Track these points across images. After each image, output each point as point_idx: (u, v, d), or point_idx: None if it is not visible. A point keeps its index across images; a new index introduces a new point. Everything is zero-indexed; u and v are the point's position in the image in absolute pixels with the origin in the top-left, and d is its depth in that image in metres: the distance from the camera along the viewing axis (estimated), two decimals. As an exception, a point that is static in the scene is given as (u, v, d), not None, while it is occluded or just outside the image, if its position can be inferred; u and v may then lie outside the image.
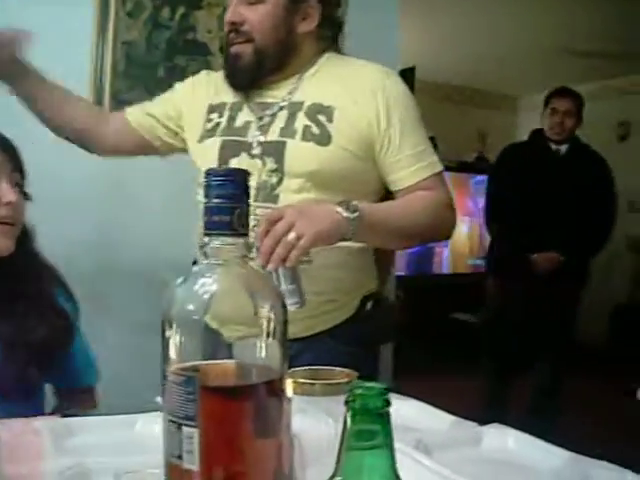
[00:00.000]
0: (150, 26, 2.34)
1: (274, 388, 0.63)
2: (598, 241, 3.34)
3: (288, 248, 1.16)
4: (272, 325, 0.63)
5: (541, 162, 3.30)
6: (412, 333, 4.29)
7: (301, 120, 1.40)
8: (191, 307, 0.62)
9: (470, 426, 1.07)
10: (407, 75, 4.23)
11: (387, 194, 1.49)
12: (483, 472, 0.91)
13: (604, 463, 0.91)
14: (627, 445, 2.20)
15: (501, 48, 5.11)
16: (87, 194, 2.30)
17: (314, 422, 0.72)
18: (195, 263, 1.57)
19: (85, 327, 1.43)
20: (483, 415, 3.01)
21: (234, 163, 1.41)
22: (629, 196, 5.53)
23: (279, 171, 1.38)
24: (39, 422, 0.97)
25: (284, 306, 0.66)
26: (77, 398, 1.38)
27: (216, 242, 0.64)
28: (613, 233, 3.36)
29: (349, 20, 2.66)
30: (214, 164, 1.43)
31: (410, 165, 1.42)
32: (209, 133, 1.48)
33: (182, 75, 1.78)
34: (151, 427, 0.95)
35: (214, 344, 0.63)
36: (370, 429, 0.48)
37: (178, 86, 1.63)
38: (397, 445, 0.78)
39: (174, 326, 0.63)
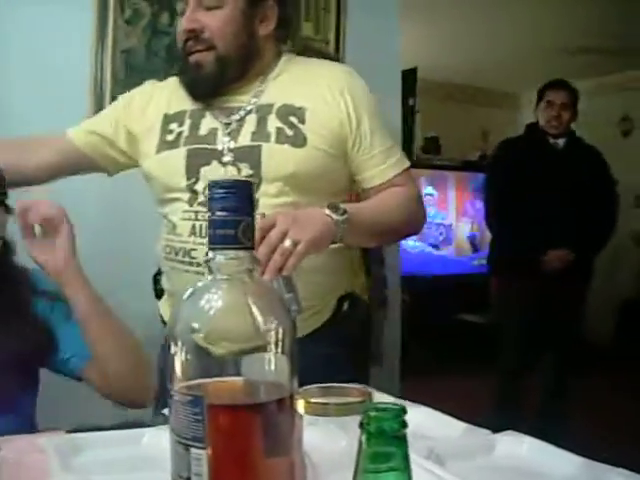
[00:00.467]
0: (149, 33, 2.33)
1: (284, 405, 0.61)
2: (603, 236, 3.27)
3: (285, 256, 1.14)
4: (281, 340, 0.62)
5: (540, 157, 3.21)
6: (419, 334, 4.28)
7: (273, 122, 1.37)
8: (196, 325, 0.61)
9: (482, 434, 1.05)
10: (409, 76, 4.22)
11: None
12: (497, 481, 0.89)
13: (621, 470, 0.88)
14: (635, 446, 2.18)
15: (501, 46, 5.10)
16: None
17: (326, 437, 0.70)
18: (158, 275, 1.56)
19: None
20: (493, 416, 3.01)
21: (205, 172, 1.37)
22: (635, 191, 5.52)
23: (256, 176, 1.34)
24: (43, 439, 0.95)
25: (293, 320, 0.64)
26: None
27: (221, 257, 0.63)
28: (619, 228, 3.31)
29: (351, 22, 2.69)
30: (181, 175, 1.38)
31: (381, 162, 1.42)
32: (170, 144, 1.42)
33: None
34: (158, 441, 0.93)
35: (220, 361, 0.61)
36: (386, 451, 0.47)
37: (121, 101, 1.57)
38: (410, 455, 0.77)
39: (179, 343, 0.61)
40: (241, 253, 0.63)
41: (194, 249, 1.36)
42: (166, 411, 0.64)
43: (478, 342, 3.64)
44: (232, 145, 1.37)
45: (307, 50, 2.19)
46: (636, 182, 5.15)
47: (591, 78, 5.52)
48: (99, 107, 2.26)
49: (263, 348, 0.61)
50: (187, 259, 1.37)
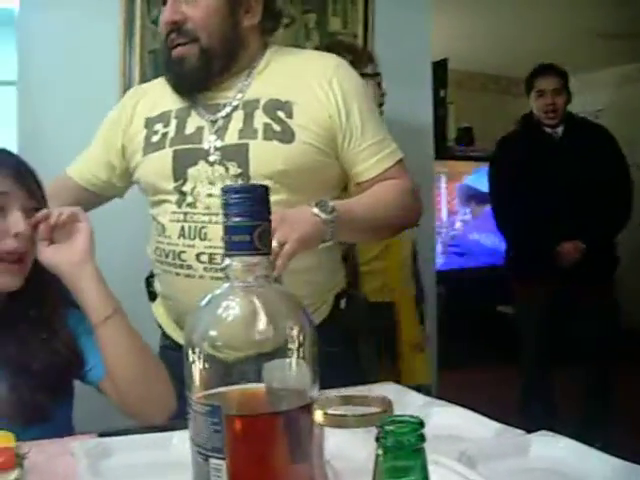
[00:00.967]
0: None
1: (306, 412, 0.60)
2: (618, 218, 3.06)
3: (273, 257, 1.10)
4: (302, 345, 0.61)
5: (539, 151, 3.03)
6: (456, 327, 4.23)
7: (260, 118, 1.32)
8: (214, 332, 0.60)
9: (516, 434, 1.02)
10: (439, 67, 4.17)
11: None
12: (530, 484, 0.87)
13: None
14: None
15: (534, 35, 5.01)
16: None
17: (348, 444, 0.69)
18: (150, 277, 1.54)
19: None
20: (525, 411, 2.94)
21: (192, 172, 1.33)
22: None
23: (244, 175, 1.31)
24: (74, 443, 0.96)
25: (313, 326, 0.63)
26: None
27: (237, 263, 0.62)
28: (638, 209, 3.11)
29: (380, 13, 2.66)
30: (168, 177, 1.35)
31: (373, 155, 1.37)
32: (156, 145, 1.39)
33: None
34: (186, 445, 0.93)
35: (239, 369, 0.60)
36: (405, 465, 0.45)
37: (109, 117, 1.53)
38: (439, 458, 0.75)
39: (197, 351, 0.60)
40: (257, 259, 0.62)
41: (183, 251, 1.33)
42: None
43: (514, 333, 3.57)
44: (219, 144, 1.33)
45: (335, 45, 2.17)
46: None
47: (628, 64, 5.41)
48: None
49: (284, 354, 0.60)
50: (177, 262, 1.34)
